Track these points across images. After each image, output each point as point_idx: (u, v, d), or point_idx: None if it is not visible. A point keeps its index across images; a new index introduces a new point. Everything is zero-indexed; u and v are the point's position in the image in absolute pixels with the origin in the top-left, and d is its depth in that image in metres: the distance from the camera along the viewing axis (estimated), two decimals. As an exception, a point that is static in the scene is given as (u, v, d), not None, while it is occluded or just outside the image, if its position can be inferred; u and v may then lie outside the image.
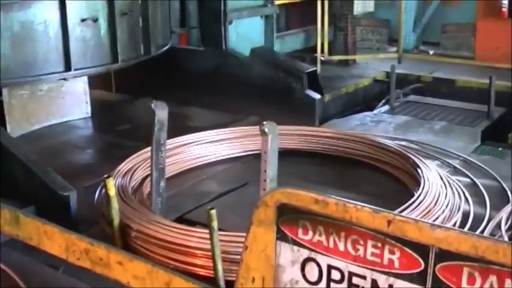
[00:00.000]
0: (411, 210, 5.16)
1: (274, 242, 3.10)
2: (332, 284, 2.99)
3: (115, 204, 4.96)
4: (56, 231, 4.26)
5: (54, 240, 4.27)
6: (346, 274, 2.94)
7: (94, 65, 7.94)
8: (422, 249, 2.69)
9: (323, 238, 2.94)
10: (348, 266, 2.92)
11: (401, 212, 5.08)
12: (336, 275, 2.97)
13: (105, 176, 4.89)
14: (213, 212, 4.01)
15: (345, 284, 2.95)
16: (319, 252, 2.99)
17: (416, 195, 5.45)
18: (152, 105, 5.21)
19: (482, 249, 2.56)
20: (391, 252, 2.77)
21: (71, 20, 7.58)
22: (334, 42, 12.07)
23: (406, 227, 2.69)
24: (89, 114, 8.44)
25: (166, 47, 9.21)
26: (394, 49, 12.48)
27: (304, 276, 3.08)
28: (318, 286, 3.04)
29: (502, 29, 11.77)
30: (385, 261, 2.81)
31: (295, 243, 3.04)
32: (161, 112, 5.23)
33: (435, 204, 5.33)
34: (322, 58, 11.47)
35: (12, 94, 7.65)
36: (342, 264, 2.94)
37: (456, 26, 13.51)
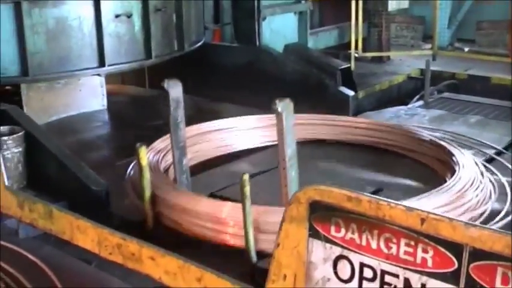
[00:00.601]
0: (444, 191, 5.14)
1: (306, 239, 3.08)
2: (364, 282, 2.97)
3: (147, 174, 4.96)
4: (89, 226, 4.28)
5: (87, 234, 4.30)
6: (378, 272, 2.92)
7: (128, 60, 7.99)
8: (456, 248, 2.66)
9: (356, 236, 2.91)
10: (381, 264, 2.90)
11: (432, 193, 5.07)
12: (368, 273, 2.95)
13: (138, 144, 4.90)
14: (246, 176, 4.00)
15: (377, 282, 2.92)
16: (351, 250, 2.97)
17: (450, 179, 5.43)
18: (165, 85, 5.19)
19: (517, 249, 2.53)
20: (425, 251, 2.74)
21: (105, 16, 7.63)
22: (368, 39, 12.00)
23: (439, 226, 2.66)
24: (105, 107, 8.45)
25: (200, 43, 9.23)
26: (429, 46, 12.38)
27: (336, 273, 3.06)
28: (350, 284, 3.02)
29: (538, 26, 11.66)
30: (418, 260, 2.78)
31: (327, 240, 3.02)
32: (175, 90, 5.21)
33: (470, 186, 5.30)
34: (356, 55, 11.40)
35: (30, 86, 7.70)
36: (374, 262, 2.91)
37: (491, 23, 13.38)
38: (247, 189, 3.94)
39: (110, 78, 8.74)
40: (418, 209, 2.73)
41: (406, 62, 11.84)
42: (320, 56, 9.79)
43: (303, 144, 6.35)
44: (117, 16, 7.76)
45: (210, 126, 6.85)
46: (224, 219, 4.70)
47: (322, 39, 11.77)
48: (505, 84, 10.44)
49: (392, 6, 12.22)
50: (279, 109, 4.43)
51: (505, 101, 9.35)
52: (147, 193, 5.00)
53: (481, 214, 5.22)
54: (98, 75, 8.07)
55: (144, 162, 4.92)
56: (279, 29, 9.90)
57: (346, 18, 11.50)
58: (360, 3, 11.30)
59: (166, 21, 8.36)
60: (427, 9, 12.97)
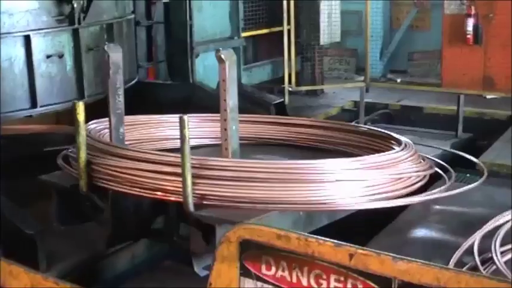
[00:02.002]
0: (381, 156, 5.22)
1: (238, 278, 3.09)
2: (297, 319, 2.98)
3: (83, 131, 4.87)
4: (21, 271, 4.22)
5: (20, 280, 4.23)
6: (310, 308, 2.92)
7: (60, 101, 7.88)
8: (384, 282, 2.69)
9: (286, 273, 2.92)
10: (312, 301, 2.91)
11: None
12: (300, 309, 2.96)
13: (74, 99, 4.83)
14: (185, 117, 3.94)
15: (309, 318, 2.93)
16: (282, 288, 2.97)
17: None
18: (105, 48, 5.15)
19: (444, 280, 2.56)
20: (354, 286, 2.76)
21: (36, 57, 7.55)
22: (301, 73, 12.11)
23: (368, 260, 2.69)
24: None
25: (133, 82, 9.19)
26: (362, 78, 12.56)
27: (268, 311, 3.06)
28: (283, 321, 3.02)
29: (468, 55, 11.90)
30: (349, 295, 2.80)
31: (258, 279, 3.03)
32: (115, 55, 5.17)
33: (409, 157, 5.37)
34: (290, 89, 11.50)
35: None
36: (306, 298, 2.92)
37: (422, 54, 13.65)
38: (186, 131, 3.89)
39: (45, 118, 8.63)
40: (346, 245, 2.75)
41: (340, 95, 11.96)
42: (254, 91, 9.83)
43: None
44: (48, 56, 7.69)
45: (147, 119, 6.72)
46: (164, 174, 4.60)
47: (256, 74, 11.84)
48: (437, 113, 10.62)
49: (324, 40, 12.35)
50: (223, 57, 4.41)
51: (437, 130, 9.49)
52: (82, 154, 4.89)
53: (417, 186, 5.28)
54: (30, 116, 7.98)
55: (81, 118, 4.83)
56: (212, 66, 9.91)
57: (280, 53, 11.61)
58: (292, 37, 11.42)
59: (98, 60, 8.30)
60: (360, 41, 13.15)
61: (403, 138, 6.01)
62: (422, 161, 5.84)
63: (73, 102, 4.92)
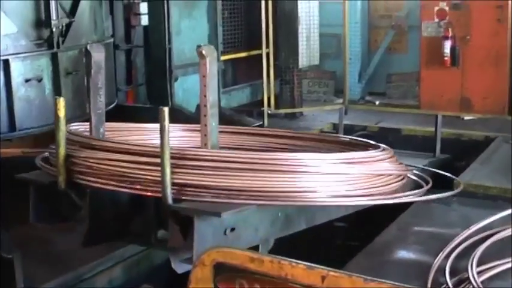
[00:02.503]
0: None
1: (212, 301, 3.10)
2: None
3: (63, 127, 4.86)
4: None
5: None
6: (284, 330, 2.95)
7: (39, 124, 7.89)
8: (357, 303, 2.71)
9: (260, 295, 2.95)
10: (286, 323, 2.93)
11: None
12: (274, 331, 2.98)
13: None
14: (166, 109, 3.96)
15: None
16: (257, 310, 2.99)
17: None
18: (88, 47, 5.15)
19: (414, 301, 2.59)
20: (327, 307, 2.79)
21: (15, 80, 7.56)
22: (280, 95, 12.15)
23: (340, 282, 2.72)
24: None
25: (112, 105, 9.20)
26: (341, 100, 12.63)
27: (243, 334, 3.07)
28: None
29: (446, 76, 11.99)
30: (322, 316, 2.82)
31: (233, 301, 3.05)
32: (98, 54, 5.18)
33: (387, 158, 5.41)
34: (269, 111, 11.55)
35: None
36: (279, 321, 2.95)
37: (400, 76, 13.75)
38: (166, 123, 3.89)
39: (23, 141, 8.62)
40: (318, 267, 2.78)
41: (319, 117, 12.02)
42: (233, 114, 9.88)
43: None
44: (27, 80, 7.70)
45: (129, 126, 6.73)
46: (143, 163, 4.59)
47: (235, 97, 11.89)
48: (415, 134, 10.69)
49: (303, 62, 12.44)
50: (204, 52, 4.43)
51: (415, 152, 9.55)
52: (62, 150, 4.87)
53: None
54: (10, 140, 7.97)
55: (62, 113, 4.82)
56: (191, 89, 9.97)
57: (259, 76, 11.66)
58: (271, 60, 11.48)
59: (77, 84, 8.33)
60: (338, 64, 13.23)
61: (382, 145, 6.07)
62: (400, 163, 5.89)
63: (54, 98, 4.93)
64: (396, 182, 5.50)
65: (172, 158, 4.31)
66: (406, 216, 6.77)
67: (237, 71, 12.61)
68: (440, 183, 7.85)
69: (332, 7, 13.39)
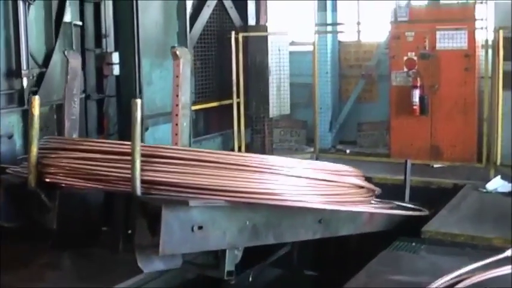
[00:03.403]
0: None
1: None
2: None
3: (36, 125, 4.83)
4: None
5: None
6: None
7: (11, 179, 7.89)
8: None
9: None
10: None
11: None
12: None
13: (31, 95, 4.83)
14: (138, 101, 3.98)
15: None
16: None
17: None
18: (65, 53, 5.17)
19: None
20: None
21: (-15, 137, 7.58)
22: (251, 144, 12.22)
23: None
24: None
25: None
26: (312, 149, 12.71)
27: None
28: None
29: (415, 125, 12.11)
30: None
31: None
32: (74, 61, 5.20)
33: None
34: (241, 160, 11.57)
35: None
36: None
37: (371, 124, 13.86)
38: (138, 114, 3.90)
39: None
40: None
41: (290, 166, 12.03)
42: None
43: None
44: (-3, 137, 7.72)
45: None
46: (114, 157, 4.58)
47: (206, 147, 11.85)
48: (386, 183, 10.75)
49: (273, 112, 12.52)
50: (178, 53, 4.46)
51: (386, 200, 9.61)
52: (34, 148, 4.85)
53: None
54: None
55: (36, 112, 4.80)
56: (162, 138, 9.99)
57: (230, 125, 11.73)
58: (242, 109, 11.56)
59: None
60: (309, 113, 13.31)
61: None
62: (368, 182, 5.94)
63: (30, 96, 4.97)
64: (362, 197, 5.56)
65: (142, 155, 4.33)
66: (374, 264, 6.81)
67: (209, 120, 12.66)
68: (407, 232, 7.94)
69: (303, 57, 13.51)
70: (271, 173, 4.77)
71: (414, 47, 12.19)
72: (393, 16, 12.51)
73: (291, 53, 13.17)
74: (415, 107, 11.97)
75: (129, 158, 4.33)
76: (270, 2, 13.30)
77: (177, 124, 4.60)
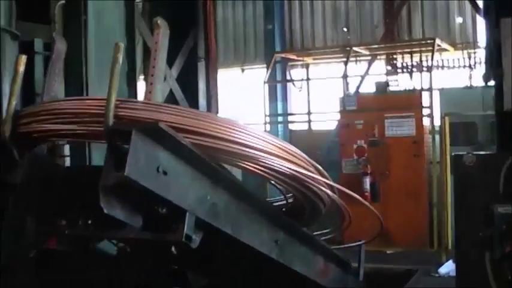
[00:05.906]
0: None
1: None
2: None
3: (19, 80, 4.74)
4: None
5: None
6: None
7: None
8: None
9: None
10: None
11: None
12: None
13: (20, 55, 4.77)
14: (121, 45, 3.95)
15: None
16: None
17: None
18: (53, 35, 5.21)
19: None
20: None
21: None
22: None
23: None
24: None
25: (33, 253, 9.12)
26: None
27: None
28: None
29: (367, 212, 12.13)
30: None
31: None
32: (60, 45, 5.21)
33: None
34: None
35: None
36: None
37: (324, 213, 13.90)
38: (120, 56, 3.86)
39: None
40: None
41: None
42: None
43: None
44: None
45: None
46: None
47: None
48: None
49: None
50: (159, 22, 4.50)
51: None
52: (13, 99, 4.74)
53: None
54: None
55: (21, 68, 4.75)
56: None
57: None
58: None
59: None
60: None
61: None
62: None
63: (17, 55, 4.94)
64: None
65: (117, 100, 4.35)
66: None
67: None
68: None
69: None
70: (243, 129, 4.74)
71: (363, 135, 12.33)
72: (341, 105, 12.70)
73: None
74: (366, 194, 11.96)
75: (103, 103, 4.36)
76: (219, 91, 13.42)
77: (151, 83, 4.67)
